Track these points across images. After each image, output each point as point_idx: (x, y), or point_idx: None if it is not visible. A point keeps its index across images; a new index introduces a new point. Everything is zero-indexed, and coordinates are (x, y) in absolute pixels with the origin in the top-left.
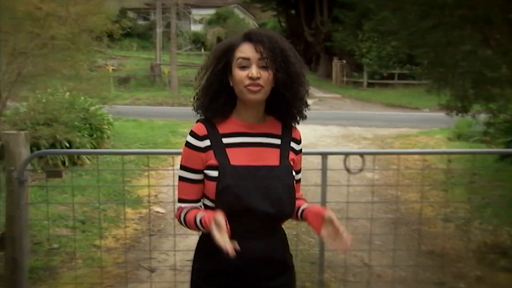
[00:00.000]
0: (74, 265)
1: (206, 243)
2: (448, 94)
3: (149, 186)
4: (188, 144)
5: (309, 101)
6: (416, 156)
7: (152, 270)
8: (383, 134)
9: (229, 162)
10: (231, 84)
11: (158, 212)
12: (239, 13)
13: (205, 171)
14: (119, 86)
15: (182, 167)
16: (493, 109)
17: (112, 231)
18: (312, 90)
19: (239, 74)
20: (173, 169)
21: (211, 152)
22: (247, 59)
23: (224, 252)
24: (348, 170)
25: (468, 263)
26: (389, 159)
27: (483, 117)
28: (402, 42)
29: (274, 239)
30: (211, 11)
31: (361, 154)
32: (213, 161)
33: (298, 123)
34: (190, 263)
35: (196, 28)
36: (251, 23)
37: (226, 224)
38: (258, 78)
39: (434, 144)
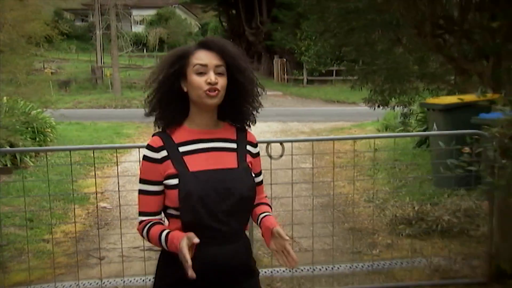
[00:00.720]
0: (24, 259)
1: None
2: (369, 89)
3: (95, 179)
4: (145, 158)
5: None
6: (348, 146)
7: (101, 258)
8: (319, 128)
9: (188, 169)
10: (184, 90)
11: (105, 207)
12: (181, 13)
13: (165, 181)
14: (59, 89)
15: (141, 181)
16: (404, 101)
17: (60, 227)
18: None
19: (197, 80)
20: (117, 166)
21: (168, 162)
22: (205, 65)
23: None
24: (270, 156)
25: (381, 234)
26: (323, 150)
27: (404, 109)
28: (328, 42)
29: (238, 245)
30: (152, 12)
31: (281, 142)
32: (172, 170)
33: (250, 127)
34: (137, 251)
35: (138, 29)
36: (193, 23)
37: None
38: (216, 83)
39: (363, 134)
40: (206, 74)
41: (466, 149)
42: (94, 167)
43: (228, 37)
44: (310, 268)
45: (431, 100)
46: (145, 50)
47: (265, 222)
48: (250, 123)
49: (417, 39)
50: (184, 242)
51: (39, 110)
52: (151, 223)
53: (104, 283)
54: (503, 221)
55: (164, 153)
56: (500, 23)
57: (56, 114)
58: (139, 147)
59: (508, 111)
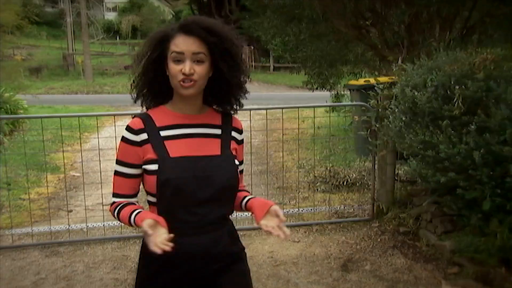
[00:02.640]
0: (4, 212)
1: None
2: (308, 74)
3: (63, 152)
4: (123, 139)
5: None
6: (294, 125)
7: (69, 211)
8: (276, 111)
9: (168, 155)
10: (167, 73)
11: (74, 175)
12: (154, 0)
13: (144, 166)
14: (31, 76)
15: (118, 162)
16: (331, 84)
17: (35, 189)
18: None
19: (173, 68)
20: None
21: (148, 146)
22: (181, 53)
23: (158, 252)
24: None
25: (302, 190)
26: (274, 128)
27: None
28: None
29: (219, 233)
30: None
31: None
32: (151, 155)
33: (236, 112)
34: (100, 206)
35: (110, 16)
36: (167, 11)
37: (162, 222)
38: (192, 74)
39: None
40: (182, 62)
41: (356, 118)
42: (62, 138)
43: None
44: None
45: (351, 82)
46: (118, 38)
47: (256, 201)
48: (236, 109)
49: (343, 29)
50: (149, 221)
51: (11, 93)
52: (122, 204)
53: (71, 227)
54: (381, 173)
55: (144, 136)
56: (405, 18)
57: (29, 99)
58: (114, 115)
59: (380, 87)
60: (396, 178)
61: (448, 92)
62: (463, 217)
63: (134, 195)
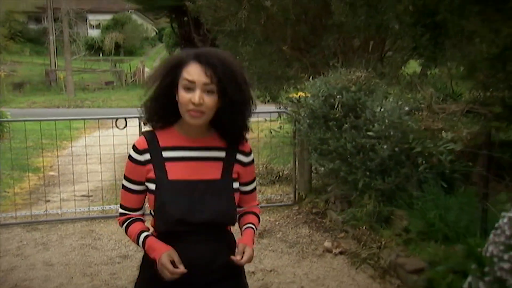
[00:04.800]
0: None
1: None
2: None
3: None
4: (130, 157)
5: None
6: (255, 135)
7: (46, 200)
8: None
9: (167, 177)
10: (177, 99)
11: (53, 174)
12: (137, 18)
13: (146, 183)
14: (13, 91)
15: (125, 177)
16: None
17: (18, 185)
18: None
19: (183, 97)
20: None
21: (150, 166)
22: (193, 82)
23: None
24: (117, 127)
25: None
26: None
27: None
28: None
29: (218, 244)
30: (108, 17)
31: (125, 118)
32: (151, 175)
33: (241, 142)
34: (73, 198)
35: (94, 33)
36: (150, 28)
37: (175, 257)
38: (201, 104)
39: (274, 126)
40: (193, 91)
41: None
42: (42, 144)
43: (180, 43)
44: None
45: (291, 95)
46: (101, 54)
47: (242, 237)
48: (240, 139)
49: (285, 50)
50: (166, 259)
51: None
52: (130, 219)
53: (47, 211)
54: (300, 167)
55: (147, 156)
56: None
57: (12, 112)
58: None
59: (298, 98)
60: (314, 171)
61: (333, 100)
62: (351, 196)
63: (140, 209)
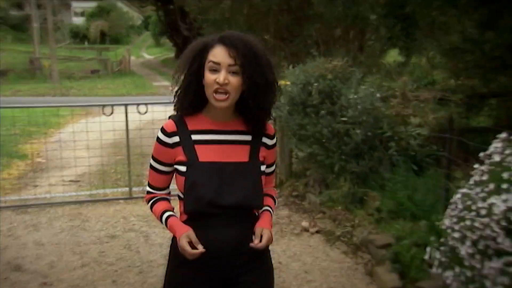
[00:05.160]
0: None
1: None
2: None
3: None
4: (158, 139)
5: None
6: None
7: (35, 186)
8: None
9: (197, 159)
10: (203, 83)
11: (40, 161)
12: (123, 6)
13: (176, 166)
14: None
15: (153, 157)
16: None
17: (5, 171)
18: None
19: (209, 78)
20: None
21: (180, 148)
22: (218, 63)
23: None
24: (104, 113)
25: None
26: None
27: None
28: None
29: (245, 227)
30: (93, 4)
31: (112, 106)
32: (182, 157)
33: (268, 119)
34: (62, 183)
35: (78, 20)
36: (136, 16)
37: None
38: (226, 84)
39: None
40: (218, 72)
41: None
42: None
43: (166, 32)
44: None
45: None
46: (86, 42)
47: (259, 218)
48: (266, 118)
49: (268, 39)
50: (184, 241)
51: None
52: (156, 198)
53: (36, 195)
54: (281, 151)
55: (176, 138)
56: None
57: None
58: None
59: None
60: (294, 156)
61: (310, 87)
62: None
63: (166, 188)
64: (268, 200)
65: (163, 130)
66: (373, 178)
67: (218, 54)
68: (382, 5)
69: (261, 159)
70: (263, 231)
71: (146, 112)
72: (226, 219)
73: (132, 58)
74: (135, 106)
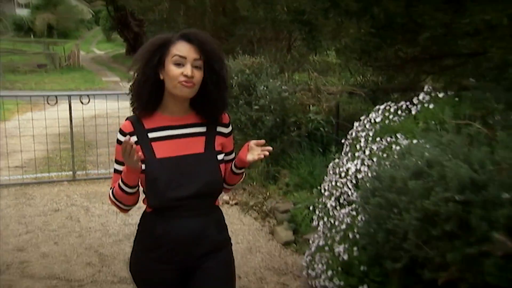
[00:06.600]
0: None
1: (147, 218)
2: None
3: None
4: (117, 141)
5: (128, 85)
6: None
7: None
8: None
9: (155, 156)
10: (161, 78)
11: None
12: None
13: None
14: None
15: (115, 160)
16: None
17: None
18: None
19: (174, 71)
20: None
21: (138, 147)
22: (184, 57)
23: (129, 145)
24: (48, 103)
25: None
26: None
27: None
28: None
29: (207, 219)
30: None
31: (56, 96)
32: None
33: (223, 112)
34: (7, 168)
35: (22, 12)
36: (86, 11)
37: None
38: (192, 77)
39: None
40: (183, 66)
41: None
42: None
43: (116, 27)
44: None
45: None
46: (32, 35)
47: (239, 153)
48: (224, 110)
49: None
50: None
51: None
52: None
53: None
54: None
55: (133, 138)
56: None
57: None
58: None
59: None
60: None
61: (231, 81)
62: None
63: None
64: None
65: (120, 131)
66: (283, 158)
67: (183, 49)
68: (288, 11)
69: (218, 148)
70: (249, 143)
71: (88, 102)
72: (188, 210)
73: (82, 53)
74: (78, 98)
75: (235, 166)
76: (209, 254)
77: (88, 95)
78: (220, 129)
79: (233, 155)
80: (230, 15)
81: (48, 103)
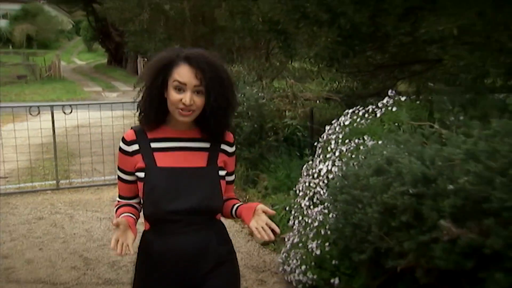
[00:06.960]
0: None
1: (145, 236)
2: None
3: None
4: (119, 149)
5: (114, 94)
6: None
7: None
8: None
9: (155, 164)
10: (165, 97)
11: None
12: (50, 10)
13: (136, 173)
14: None
15: (118, 168)
16: None
17: None
18: (118, 85)
19: (174, 96)
20: None
21: (139, 156)
22: (184, 84)
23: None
24: (31, 114)
25: None
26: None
27: None
28: None
29: (206, 233)
30: (17, 7)
31: (38, 107)
32: (141, 164)
33: (226, 132)
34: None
35: (0, 23)
36: (66, 21)
37: (133, 229)
38: (191, 105)
39: None
40: (183, 92)
41: None
42: None
43: (97, 38)
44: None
45: None
46: (11, 46)
47: (244, 206)
48: (225, 130)
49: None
50: (123, 220)
51: None
52: (121, 204)
53: None
54: None
55: (135, 147)
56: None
57: None
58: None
59: None
60: None
61: None
62: None
63: (134, 197)
64: (237, 201)
65: (123, 139)
66: (262, 163)
67: (184, 74)
68: (264, 21)
69: (220, 164)
70: (257, 207)
71: (71, 112)
72: (186, 226)
73: (63, 63)
74: (60, 108)
75: (235, 212)
76: (212, 270)
77: (70, 105)
78: (224, 147)
79: (233, 177)
80: (209, 25)
81: (30, 114)
